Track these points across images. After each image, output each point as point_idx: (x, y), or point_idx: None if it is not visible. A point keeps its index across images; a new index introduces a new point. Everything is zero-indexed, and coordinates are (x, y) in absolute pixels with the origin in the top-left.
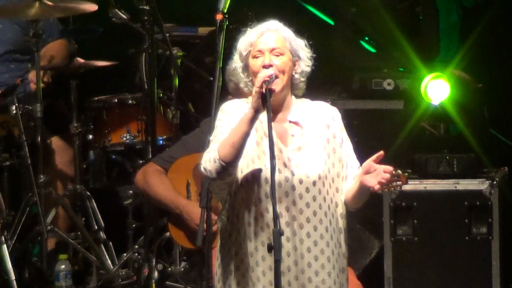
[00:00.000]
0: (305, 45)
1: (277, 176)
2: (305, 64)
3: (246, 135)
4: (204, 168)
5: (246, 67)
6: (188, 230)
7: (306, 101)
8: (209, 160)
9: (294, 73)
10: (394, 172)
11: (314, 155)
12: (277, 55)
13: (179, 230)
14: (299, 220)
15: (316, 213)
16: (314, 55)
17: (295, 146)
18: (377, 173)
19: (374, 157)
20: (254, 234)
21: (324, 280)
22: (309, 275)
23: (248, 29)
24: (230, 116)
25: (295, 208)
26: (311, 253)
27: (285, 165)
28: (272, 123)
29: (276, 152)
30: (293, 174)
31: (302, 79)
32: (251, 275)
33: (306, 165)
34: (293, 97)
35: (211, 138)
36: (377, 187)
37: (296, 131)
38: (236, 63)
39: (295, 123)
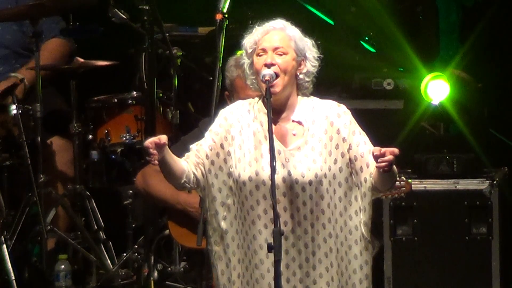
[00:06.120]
0: (312, 45)
1: (275, 178)
2: (311, 64)
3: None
4: None
5: (251, 65)
6: (188, 228)
7: (313, 100)
8: None
9: (299, 73)
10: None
11: (313, 154)
12: (280, 54)
13: (179, 228)
14: (296, 218)
15: (313, 211)
16: (322, 56)
17: (295, 145)
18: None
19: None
20: (253, 237)
21: (322, 274)
22: (306, 270)
23: (256, 27)
24: (222, 124)
25: (292, 207)
26: (308, 249)
27: (282, 166)
28: (275, 125)
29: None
30: (289, 174)
31: (308, 79)
32: (251, 275)
33: (303, 165)
34: (299, 96)
35: (191, 146)
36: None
37: (299, 130)
38: (244, 60)
39: (298, 122)
